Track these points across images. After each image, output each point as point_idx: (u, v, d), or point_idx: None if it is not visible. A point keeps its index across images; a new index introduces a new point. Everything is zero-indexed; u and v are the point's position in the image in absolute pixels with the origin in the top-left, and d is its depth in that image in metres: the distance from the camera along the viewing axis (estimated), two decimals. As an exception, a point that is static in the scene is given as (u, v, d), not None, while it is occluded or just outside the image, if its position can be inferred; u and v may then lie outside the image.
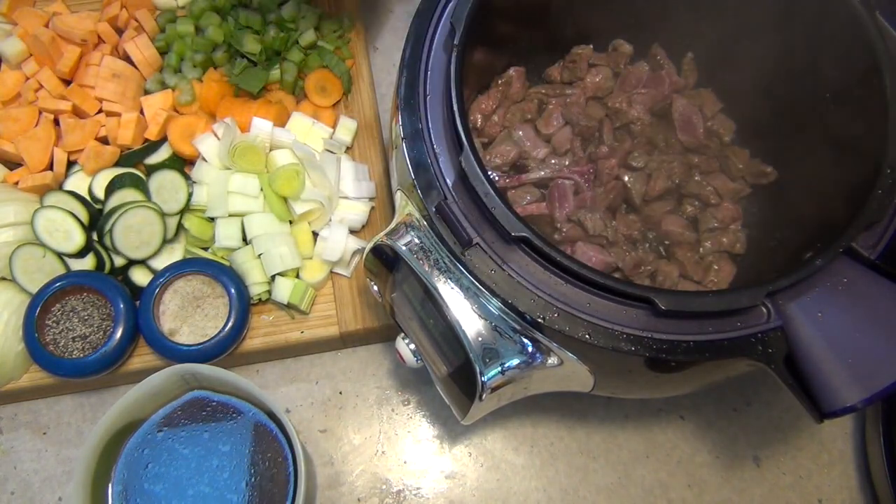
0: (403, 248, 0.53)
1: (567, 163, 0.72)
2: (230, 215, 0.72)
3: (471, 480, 0.71)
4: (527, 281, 0.51)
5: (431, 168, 0.54)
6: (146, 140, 0.75)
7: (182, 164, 0.75)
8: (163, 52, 0.79)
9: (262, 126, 0.73)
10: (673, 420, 0.74)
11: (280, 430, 0.61)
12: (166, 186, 0.71)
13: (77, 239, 0.69)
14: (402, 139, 0.56)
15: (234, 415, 0.62)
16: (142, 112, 0.76)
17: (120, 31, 0.79)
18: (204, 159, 0.74)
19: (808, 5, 0.61)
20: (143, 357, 0.70)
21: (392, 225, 0.56)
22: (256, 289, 0.70)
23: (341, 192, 0.74)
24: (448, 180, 0.54)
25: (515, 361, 0.51)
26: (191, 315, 0.68)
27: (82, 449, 0.57)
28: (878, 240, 0.52)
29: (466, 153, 0.52)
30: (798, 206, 0.65)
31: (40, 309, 0.65)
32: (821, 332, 0.49)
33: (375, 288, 0.62)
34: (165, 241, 0.71)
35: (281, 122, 0.76)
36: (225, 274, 0.68)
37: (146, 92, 0.78)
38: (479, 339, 0.51)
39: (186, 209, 0.72)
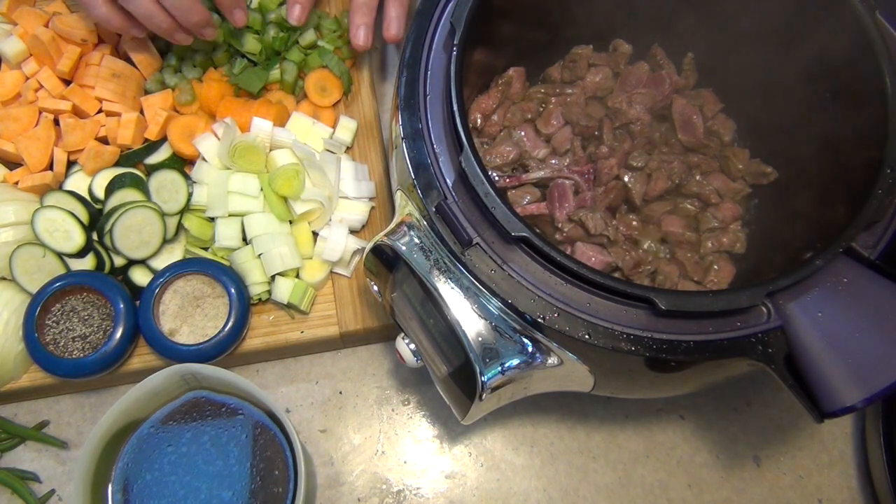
0: (403, 248, 0.53)
1: (567, 163, 0.72)
2: (230, 215, 0.72)
3: (471, 480, 0.71)
4: (527, 281, 0.51)
5: (431, 168, 0.54)
6: (146, 140, 0.75)
7: (182, 164, 0.75)
8: (163, 52, 0.79)
9: (262, 126, 0.73)
10: (673, 420, 0.74)
11: (280, 430, 0.61)
12: (166, 186, 0.71)
13: (77, 239, 0.69)
14: (402, 139, 0.56)
15: (234, 415, 0.62)
16: (142, 112, 0.76)
17: (120, 31, 0.79)
18: (204, 159, 0.74)
19: (808, 5, 0.62)
20: (143, 357, 0.70)
21: (392, 225, 0.56)
22: (256, 289, 0.70)
23: (341, 192, 0.74)
24: (448, 180, 0.54)
25: (515, 361, 0.51)
26: (191, 315, 0.68)
27: (82, 449, 0.57)
28: (878, 240, 0.52)
29: (466, 153, 0.52)
30: (798, 206, 0.65)
31: (40, 309, 0.65)
32: (821, 332, 0.49)
33: (375, 288, 0.62)
34: (165, 241, 0.70)
35: (281, 122, 0.76)
36: (225, 274, 0.68)
37: (146, 92, 0.78)
38: (479, 339, 0.51)
39: (186, 209, 0.72)
